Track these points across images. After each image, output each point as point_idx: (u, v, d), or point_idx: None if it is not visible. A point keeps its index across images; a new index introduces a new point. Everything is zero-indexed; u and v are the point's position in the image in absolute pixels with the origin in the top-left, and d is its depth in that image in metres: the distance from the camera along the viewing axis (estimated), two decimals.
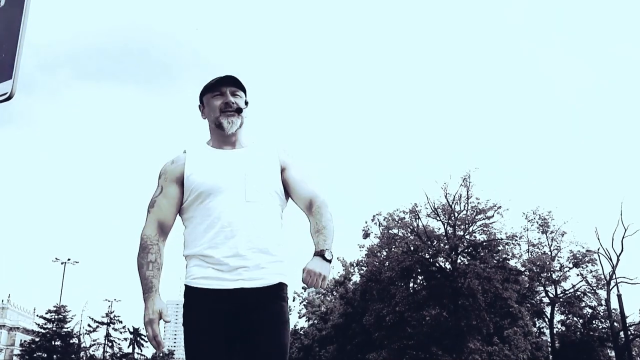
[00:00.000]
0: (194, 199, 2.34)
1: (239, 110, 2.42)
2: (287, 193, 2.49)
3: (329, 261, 2.23)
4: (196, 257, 2.28)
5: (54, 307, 43.10)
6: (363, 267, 36.77)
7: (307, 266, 2.20)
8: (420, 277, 34.27)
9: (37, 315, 45.61)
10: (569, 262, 34.55)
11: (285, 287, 2.34)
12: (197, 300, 2.23)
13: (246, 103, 2.49)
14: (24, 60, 2.30)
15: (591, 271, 34.13)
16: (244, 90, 2.50)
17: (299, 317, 43.46)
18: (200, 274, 2.25)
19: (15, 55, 2.29)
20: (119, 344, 50.49)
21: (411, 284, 34.27)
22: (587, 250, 33.83)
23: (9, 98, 2.27)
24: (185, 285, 2.28)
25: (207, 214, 2.30)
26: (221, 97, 2.43)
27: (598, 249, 33.54)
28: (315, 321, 42.83)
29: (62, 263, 44.72)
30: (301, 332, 44.19)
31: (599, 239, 34.55)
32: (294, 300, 42.09)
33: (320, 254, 2.24)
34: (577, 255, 34.13)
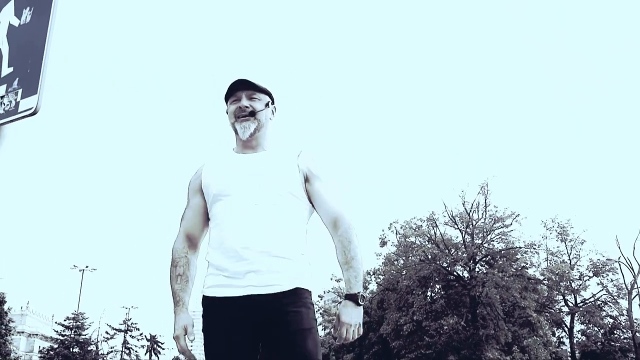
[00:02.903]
0: (209, 204, 2.33)
1: (252, 114, 2.35)
2: (312, 206, 2.36)
3: (362, 306, 2.15)
4: (210, 264, 2.24)
5: (72, 314, 43.52)
6: (380, 276, 36.64)
7: (341, 317, 2.15)
8: (438, 286, 34.08)
9: (56, 322, 46.00)
10: (589, 271, 34.12)
11: (305, 293, 2.18)
12: (210, 309, 2.18)
13: (268, 104, 2.42)
14: (48, 76, 2.31)
15: (612, 280, 33.72)
16: (265, 92, 2.43)
17: None
18: (211, 282, 2.20)
19: (41, 71, 2.30)
20: (136, 351, 50.87)
21: (429, 293, 34.08)
22: (607, 259, 33.41)
23: (34, 113, 2.27)
24: (202, 295, 2.25)
25: (216, 219, 2.27)
26: (237, 102, 2.38)
27: (619, 258, 33.12)
28: (332, 330, 42.66)
29: (80, 270, 45.16)
30: None
31: (619, 247, 34.03)
32: None
33: (353, 298, 2.18)
34: (597, 264, 33.70)
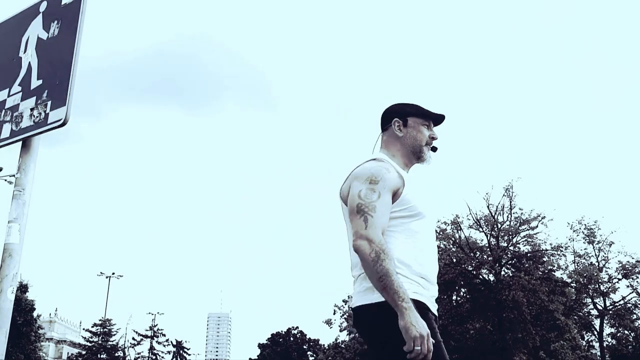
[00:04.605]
0: (406, 216, 2.32)
1: (434, 149, 2.54)
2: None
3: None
4: (405, 275, 2.25)
5: (100, 320, 44.02)
6: None
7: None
8: (463, 290, 33.77)
9: (84, 329, 46.57)
10: (618, 273, 33.50)
11: None
12: (423, 313, 2.19)
13: None
14: (77, 87, 2.34)
15: None
16: None
17: (340, 331, 43.20)
18: (423, 291, 2.29)
19: (69, 83, 2.33)
20: (162, 357, 51.17)
21: (454, 297, 33.77)
22: (637, 261, 32.78)
23: (64, 124, 2.31)
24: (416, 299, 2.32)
25: (416, 235, 2.33)
26: (429, 129, 2.53)
27: None
28: (357, 334, 42.47)
29: (106, 277, 45.70)
30: (342, 346, 43.89)
31: None
32: (334, 314, 41.92)
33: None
34: (627, 266, 33.04)
